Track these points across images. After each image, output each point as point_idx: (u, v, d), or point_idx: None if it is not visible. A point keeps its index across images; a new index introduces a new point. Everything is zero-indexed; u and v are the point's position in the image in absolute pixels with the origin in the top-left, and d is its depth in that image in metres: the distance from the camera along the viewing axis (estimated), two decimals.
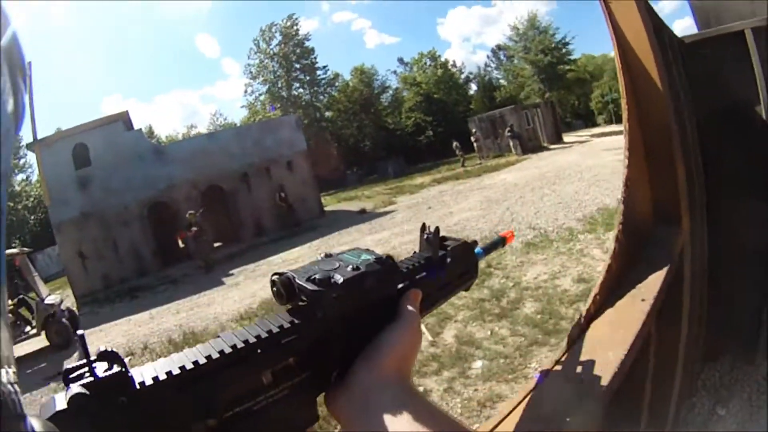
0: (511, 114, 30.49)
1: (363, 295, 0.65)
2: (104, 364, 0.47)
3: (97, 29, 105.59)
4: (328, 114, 51.87)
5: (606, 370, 1.17)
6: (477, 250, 0.93)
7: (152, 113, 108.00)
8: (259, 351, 0.56)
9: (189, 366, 0.51)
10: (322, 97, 52.40)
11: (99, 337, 9.60)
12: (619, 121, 45.20)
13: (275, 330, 0.58)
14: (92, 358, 0.47)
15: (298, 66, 51.29)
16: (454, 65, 58.81)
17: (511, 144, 29.08)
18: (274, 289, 0.64)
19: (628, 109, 1.97)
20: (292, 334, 0.59)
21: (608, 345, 1.29)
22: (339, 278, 0.62)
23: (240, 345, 0.55)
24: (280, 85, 51.32)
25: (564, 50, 45.56)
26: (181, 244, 20.89)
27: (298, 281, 0.62)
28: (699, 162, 2.70)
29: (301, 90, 52.07)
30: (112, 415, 0.45)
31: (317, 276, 0.62)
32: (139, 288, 14.64)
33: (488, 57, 64.95)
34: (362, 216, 19.15)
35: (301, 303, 0.62)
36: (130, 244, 17.85)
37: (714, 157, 2.77)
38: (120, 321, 10.50)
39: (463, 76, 59.52)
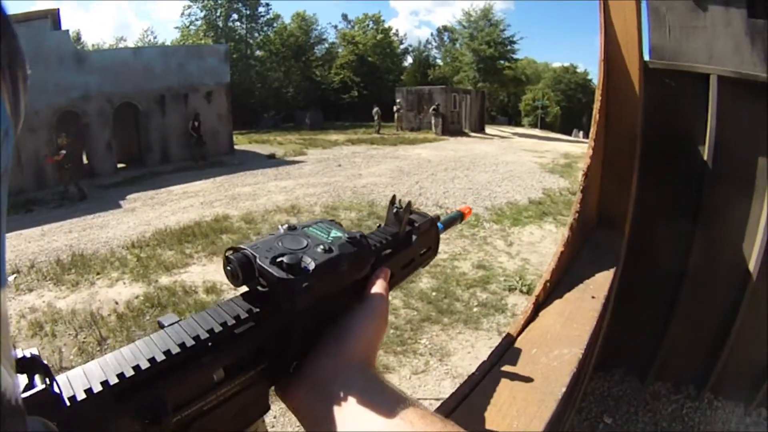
0: (440, 93, 30.69)
1: (336, 281, 0.56)
2: (24, 377, 0.37)
3: None
4: (258, 53, 50.50)
5: (563, 368, 1.08)
6: (438, 224, 0.86)
7: (85, 19, 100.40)
8: (210, 345, 0.47)
9: (129, 372, 0.41)
10: (257, 35, 50.83)
11: None
12: (544, 127, 47.20)
13: (230, 322, 0.49)
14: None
15: None
16: (396, 34, 58.54)
17: (433, 122, 29.31)
18: (228, 267, 0.53)
19: (601, 102, 1.91)
20: (250, 325, 0.50)
21: (563, 340, 1.22)
22: (310, 263, 0.52)
23: (189, 342, 0.46)
24: (218, 13, 49.06)
25: (508, 47, 46.24)
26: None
27: (260, 263, 0.52)
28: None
29: (238, 23, 50.33)
30: None
31: (285, 260, 0.51)
32: (36, 201, 13.69)
33: (432, 35, 65.46)
34: (271, 161, 19.00)
35: (260, 288, 0.52)
36: (34, 153, 16.38)
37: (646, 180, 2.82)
38: (11, 234, 9.71)
39: (402, 47, 59.56)
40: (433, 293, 6.09)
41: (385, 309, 0.61)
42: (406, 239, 0.75)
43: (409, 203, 0.75)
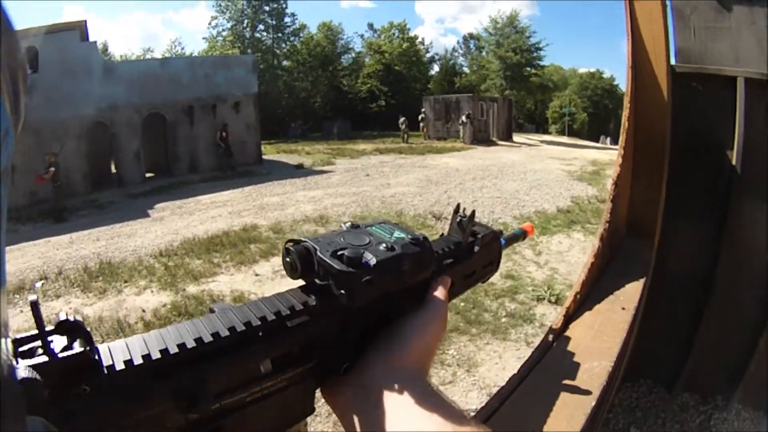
0: (468, 102, 30.68)
1: (397, 280, 0.54)
2: (63, 339, 0.37)
3: None
4: (285, 63, 50.94)
5: (593, 381, 1.06)
6: (500, 239, 0.85)
7: (112, 30, 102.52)
8: (260, 334, 0.46)
9: (173, 349, 0.40)
10: (283, 45, 51.38)
11: (15, 256, 9.05)
12: (571, 134, 46.79)
13: (285, 312, 0.48)
14: (49, 328, 0.37)
15: (267, 9, 50.05)
16: (422, 43, 58.64)
17: (462, 130, 29.19)
18: (288, 259, 0.53)
19: (630, 110, 1.88)
20: (304, 318, 0.49)
21: (593, 353, 1.19)
22: (372, 258, 0.51)
23: (240, 327, 0.45)
24: (245, 24, 49.78)
25: (535, 54, 46.05)
26: None
27: (320, 254, 0.51)
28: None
29: (264, 33, 50.97)
30: (69, 409, 0.35)
31: (346, 253, 0.50)
32: (64, 209, 13.92)
33: (458, 43, 65.53)
34: (299, 171, 19.07)
35: (319, 281, 0.51)
36: (63, 162, 16.52)
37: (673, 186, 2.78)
38: (39, 242, 9.99)
39: (428, 55, 59.64)
40: (461, 303, 6.04)
41: (444, 316, 0.60)
42: (469, 250, 0.75)
43: (473, 212, 0.75)
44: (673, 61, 2.63)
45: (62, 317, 0.38)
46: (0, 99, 0.30)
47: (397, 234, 0.59)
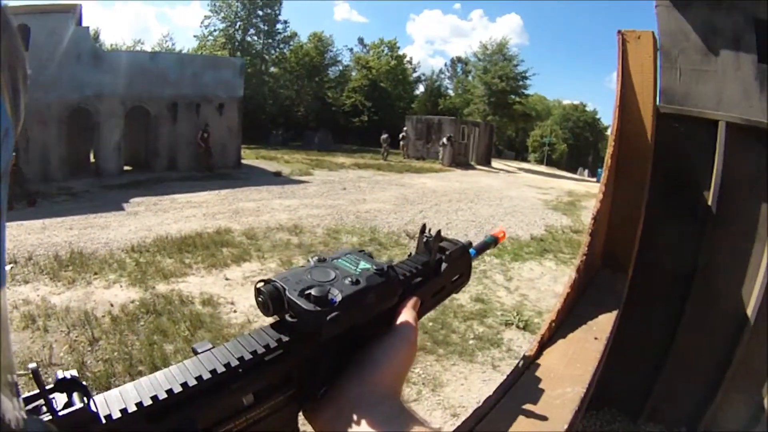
0: (450, 124, 30.88)
1: (363, 312, 0.57)
2: (63, 396, 0.41)
3: None
4: (273, 70, 50.76)
5: (565, 406, 1.09)
6: (470, 250, 0.85)
7: (106, 17, 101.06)
8: (241, 371, 0.50)
9: (162, 395, 0.44)
10: (273, 51, 51.19)
11: None
12: (549, 164, 47.36)
13: (260, 350, 0.51)
14: (49, 386, 0.41)
15: (260, 13, 49.87)
16: (409, 62, 59.02)
17: (441, 152, 29.34)
18: (260, 299, 0.55)
19: (614, 149, 1.93)
20: (279, 352, 0.53)
21: (566, 380, 1.22)
22: (338, 295, 0.55)
23: (220, 369, 0.48)
24: (237, 27, 49.55)
25: (520, 82, 46.69)
26: None
27: (288, 295, 0.54)
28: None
29: (255, 38, 50.71)
30: None
31: (313, 292, 0.54)
32: (39, 194, 13.61)
33: (445, 65, 65.86)
34: (277, 178, 19.10)
35: (290, 318, 0.54)
36: (42, 146, 16.33)
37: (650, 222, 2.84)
38: (12, 224, 9.74)
39: (414, 75, 59.96)
40: (430, 323, 6.07)
41: (414, 337, 0.61)
42: (437, 267, 0.76)
43: (439, 232, 0.76)
44: (658, 101, 2.71)
45: (59, 376, 0.41)
46: (0, 99, 0.31)
47: (362, 265, 0.61)
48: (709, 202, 2.89)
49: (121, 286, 6.72)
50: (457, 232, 10.78)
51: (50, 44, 16.70)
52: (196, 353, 0.50)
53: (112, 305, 6.04)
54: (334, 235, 10.10)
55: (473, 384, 4.84)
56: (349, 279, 0.57)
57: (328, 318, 0.52)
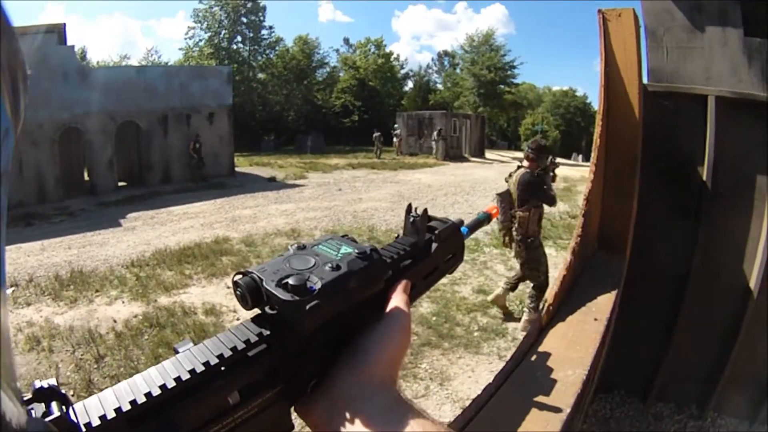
0: (441, 118, 30.91)
1: (345, 299, 0.54)
2: (41, 405, 0.39)
3: None
4: (261, 76, 50.76)
5: (567, 389, 1.08)
6: (462, 228, 0.81)
7: (91, 34, 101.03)
8: (223, 369, 0.47)
9: (141, 399, 0.43)
10: (259, 57, 51.22)
11: None
12: None
13: (240, 347, 0.49)
14: (27, 396, 0.40)
15: (245, 20, 49.85)
16: (397, 59, 58.96)
17: (434, 146, 29.37)
18: (238, 292, 0.53)
19: (602, 128, 1.93)
20: (262, 347, 0.51)
21: (567, 363, 1.21)
22: (317, 282, 0.52)
23: (199, 368, 0.46)
24: (222, 36, 49.55)
25: (509, 72, 46.79)
26: None
27: (266, 286, 0.52)
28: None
29: (241, 45, 50.76)
30: None
31: (290, 281, 0.51)
32: (36, 215, 13.69)
33: (432, 60, 65.79)
34: (271, 184, 19.08)
35: (269, 311, 0.53)
36: (36, 166, 16.28)
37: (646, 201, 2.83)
38: (10, 248, 9.68)
39: (402, 72, 59.96)
40: (434, 318, 6.06)
41: (407, 323, 0.58)
42: (426, 248, 0.73)
43: (425, 210, 0.73)
44: (645, 80, 2.70)
45: (37, 385, 0.40)
46: (0, 99, 0.31)
47: (344, 249, 0.58)
48: (704, 177, 2.88)
49: (123, 302, 6.70)
50: None
51: (36, 65, 16.71)
52: (176, 353, 0.49)
53: (115, 321, 6.03)
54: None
55: (481, 375, 4.83)
56: (330, 265, 0.54)
57: (308, 307, 0.49)
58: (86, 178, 19.77)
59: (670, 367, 3.40)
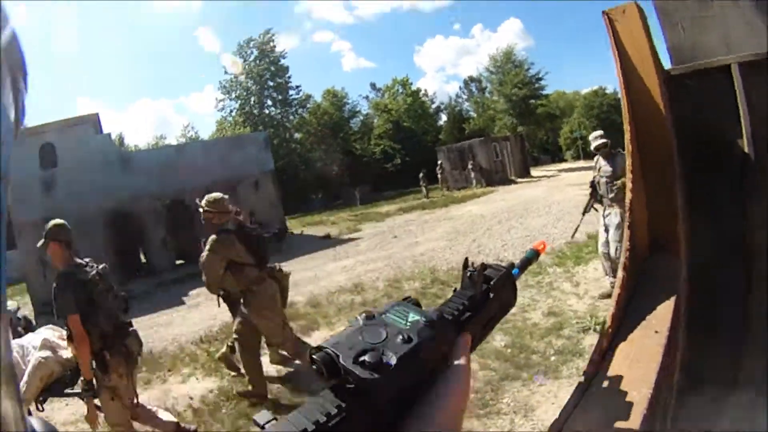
0: (480, 146, 30.89)
1: (419, 369, 0.58)
2: None
3: (81, 29, 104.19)
4: (297, 135, 51.73)
5: (636, 410, 1.06)
6: (513, 270, 0.84)
7: (125, 120, 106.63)
8: None
9: None
10: (292, 117, 52.27)
11: None
12: (586, 157, 46.60)
13: (322, 420, 0.52)
14: None
15: (271, 84, 51.18)
16: (425, 94, 59.43)
17: (473, 177, 29.36)
18: (314, 367, 0.57)
19: (630, 132, 1.90)
20: (341, 417, 0.53)
21: (629, 383, 1.19)
22: (392, 357, 0.55)
23: None
24: (252, 102, 51.03)
25: (537, 85, 46.58)
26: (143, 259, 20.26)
27: (343, 362, 0.55)
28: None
29: (272, 108, 51.96)
30: None
31: (367, 359, 0.54)
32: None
33: (460, 88, 65.93)
34: (327, 241, 19.11)
35: (347, 384, 0.55)
36: (91, 254, 16.80)
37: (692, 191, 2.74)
38: None
39: (434, 106, 60.33)
40: (508, 350, 5.93)
41: (467, 377, 0.62)
42: (483, 299, 0.76)
43: (482, 265, 0.77)
44: (668, 65, 2.64)
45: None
46: (0, 100, 0.32)
47: (411, 317, 0.61)
48: (745, 149, 2.76)
49: (197, 378, 6.80)
50: (515, 252, 10.71)
51: (77, 156, 17.50)
52: (257, 425, 0.52)
53: (191, 398, 6.11)
54: (395, 284, 10.00)
55: (563, 400, 4.62)
56: (401, 337, 0.57)
57: (385, 382, 0.53)
58: (143, 260, 20.34)
59: (750, 354, 3.22)
